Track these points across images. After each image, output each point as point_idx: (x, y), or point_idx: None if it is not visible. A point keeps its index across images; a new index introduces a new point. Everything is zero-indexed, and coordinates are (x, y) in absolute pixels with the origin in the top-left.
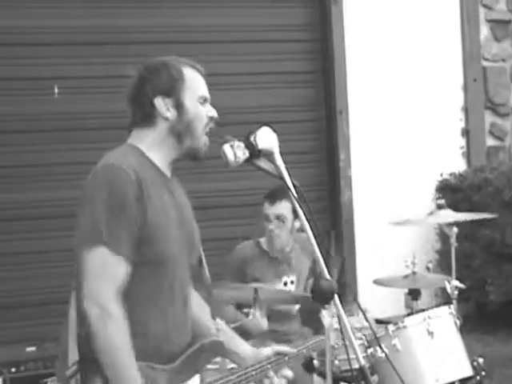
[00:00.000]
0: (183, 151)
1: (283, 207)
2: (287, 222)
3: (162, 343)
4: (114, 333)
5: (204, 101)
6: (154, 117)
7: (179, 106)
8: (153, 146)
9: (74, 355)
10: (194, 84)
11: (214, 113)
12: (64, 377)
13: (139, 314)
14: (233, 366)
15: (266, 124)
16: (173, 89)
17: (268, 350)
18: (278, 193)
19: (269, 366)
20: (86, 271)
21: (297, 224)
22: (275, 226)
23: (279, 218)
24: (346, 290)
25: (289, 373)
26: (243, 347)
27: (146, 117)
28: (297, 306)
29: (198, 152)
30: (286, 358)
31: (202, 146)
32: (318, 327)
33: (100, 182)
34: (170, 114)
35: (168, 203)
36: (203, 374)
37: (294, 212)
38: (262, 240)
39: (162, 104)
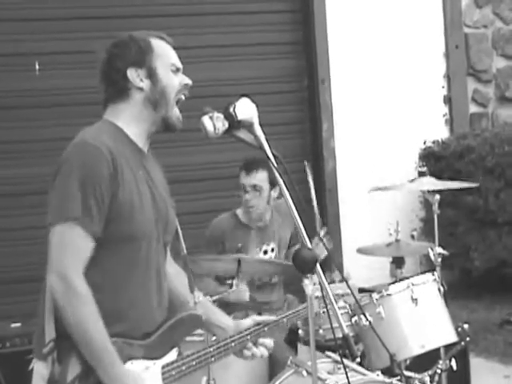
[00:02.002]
0: (159, 122)
1: (259, 177)
2: (263, 192)
3: (138, 322)
4: (81, 307)
5: (176, 70)
6: (128, 89)
7: (152, 75)
8: (131, 122)
9: (50, 333)
10: (164, 53)
11: (187, 80)
12: (41, 354)
13: (114, 293)
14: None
15: (245, 95)
16: (143, 59)
17: (248, 321)
18: (254, 163)
19: (248, 337)
20: (52, 245)
21: (274, 193)
22: (251, 196)
23: (255, 187)
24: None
25: (268, 341)
26: (223, 319)
27: (119, 91)
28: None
29: (173, 122)
30: (266, 328)
31: (175, 117)
32: (301, 295)
33: (73, 159)
34: (144, 84)
35: (142, 180)
36: (184, 346)
37: (271, 182)
38: (239, 211)
39: (134, 75)
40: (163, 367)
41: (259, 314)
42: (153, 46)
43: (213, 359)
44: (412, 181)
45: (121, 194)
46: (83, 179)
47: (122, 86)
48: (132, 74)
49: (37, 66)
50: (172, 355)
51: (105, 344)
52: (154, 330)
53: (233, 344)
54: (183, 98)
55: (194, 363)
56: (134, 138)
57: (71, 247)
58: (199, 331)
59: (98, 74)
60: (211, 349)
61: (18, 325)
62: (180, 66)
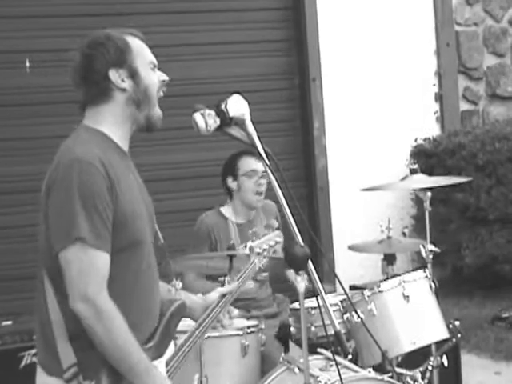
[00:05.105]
0: (141, 121)
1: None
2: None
3: (147, 326)
4: (114, 328)
5: (154, 66)
6: (111, 90)
7: (134, 75)
8: (114, 124)
9: (68, 358)
10: (142, 51)
11: (165, 77)
12: (56, 372)
13: (127, 302)
14: None
15: (236, 92)
16: (123, 59)
17: (214, 295)
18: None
19: (219, 310)
20: (69, 270)
21: None
22: (264, 181)
23: (264, 172)
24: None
25: (235, 312)
26: (191, 299)
27: (101, 93)
28: (265, 274)
29: (154, 121)
30: (230, 296)
31: (156, 116)
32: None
33: (69, 179)
34: (126, 84)
35: (133, 183)
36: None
37: None
38: (223, 209)
39: (116, 76)
40: (167, 364)
41: (248, 311)
42: (130, 45)
43: (199, 340)
44: (403, 179)
45: (121, 204)
46: (85, 199)
47: (103, 88)
48: (114, 75)
49: (27, 64)
50: (171, 348)
51: (140, 355)
52: (155, 328)
53: (210, 320)
54: (162, 94)
55: (186, 350)
56: (119, 141)
57: (90, 269)
58: None
59: (74, 76)
60: (196, 332)
61: (9, 323)
62: (156, 62)
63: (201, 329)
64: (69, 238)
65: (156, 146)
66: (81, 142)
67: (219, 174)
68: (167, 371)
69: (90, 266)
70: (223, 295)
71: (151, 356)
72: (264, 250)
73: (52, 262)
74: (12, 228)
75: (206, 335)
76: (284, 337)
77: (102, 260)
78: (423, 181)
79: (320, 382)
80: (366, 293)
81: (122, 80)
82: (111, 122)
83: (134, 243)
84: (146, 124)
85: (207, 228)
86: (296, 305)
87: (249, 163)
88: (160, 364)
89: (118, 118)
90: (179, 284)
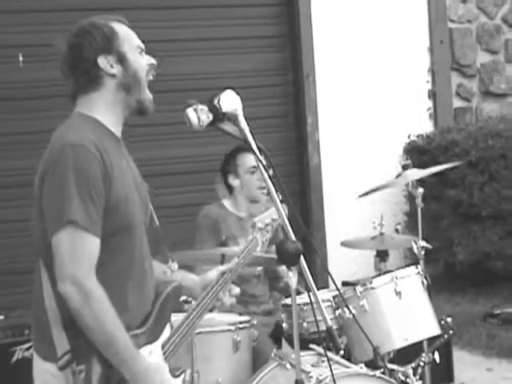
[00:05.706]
0: (133, 105)
1: None
2: None
3: (139, 309)
4: (102, 311)
5: (141, 51)
6: (100, 77)
7: (122, 60)
8: (107, 110)
9: (63, 345)
10: (128, 36)
11: (153, 60)
12: (51, 358)
13: (118, 285)
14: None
15: (229, 87)
16: (110, 45)
17: (213, 273)
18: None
19: (219, 288)
20: (59, 253)
21: None
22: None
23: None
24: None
25: (237, 290)
26: (189, 278)
27: (91, 80)
28: (259, 268)
29: (146, 105)
30: (230, 274)
31: (147, 99)
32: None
33: (65, 163)
34: (116, 69)
35: (126, 169)
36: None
37: None
38: (225, 201)
39: (105, 62)
40: (163, 346)
41: (245, 307)
42: (116, 31)
43: (198, 321)
44: (397, 176)
45: (114, 189)
46: (79, 183)
47: (93, 75)
48: (102, 61)
49: (20, 58)
50: (167, 331)
51: (126, 341)
52: (148, 314)
53: (209, 300)
54: (152, 78)
55: (185, 331)
56: (112, 127)
57: (81, 252)
58: None
59: (63, 67)
60: (195, 312)
61: (1, 318)
62: (143, 46)
63: (200, 308)
64: (62, 221)
65: (148, 142)
66: (74, 128)
67: (214, 169)
68: (163, 353)
69: (81, 249)
70: (223, 273)
71: (146, 340)
72: (267, 224)
73: (47, 248)
74: (6, 222)
75: (204, 316)
76: (277, 334)
77: (93, 244)
78: (416, 174)
79: (311, 377)
80: (358, 289)
81: (111, 66)
82: (103, 109)
83: (125, 227)
84: (137, 108)
85: (210, 222)
86: (288, 301)
87: (249, 159)
88: (155, 348)
89: (110, 104)
90: (175, 265)
